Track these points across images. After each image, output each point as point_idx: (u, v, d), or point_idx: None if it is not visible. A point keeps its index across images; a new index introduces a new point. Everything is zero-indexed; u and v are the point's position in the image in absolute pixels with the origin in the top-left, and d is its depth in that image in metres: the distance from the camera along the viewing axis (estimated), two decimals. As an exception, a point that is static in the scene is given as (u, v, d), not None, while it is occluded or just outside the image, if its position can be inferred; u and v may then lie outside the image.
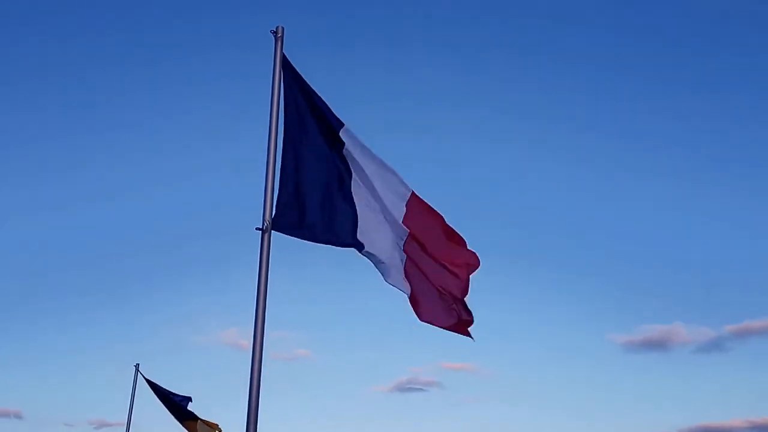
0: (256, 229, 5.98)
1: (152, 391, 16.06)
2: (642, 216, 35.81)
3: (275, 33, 6.44)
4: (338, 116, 6.38)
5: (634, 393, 29.99)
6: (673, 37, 37.18)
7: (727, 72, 36.82)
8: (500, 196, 35.19)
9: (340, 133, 6.33)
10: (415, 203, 6.37)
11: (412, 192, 6.38)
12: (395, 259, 6.29)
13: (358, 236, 6.21)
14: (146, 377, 16.25)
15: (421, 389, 31.42)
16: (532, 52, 37.02)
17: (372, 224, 6.30)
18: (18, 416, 26.80)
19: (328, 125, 6.35)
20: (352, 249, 6.25)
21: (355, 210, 6.27)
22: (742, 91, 36.37)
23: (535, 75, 36.82)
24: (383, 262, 6.26)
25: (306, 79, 6.42)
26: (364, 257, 6.27)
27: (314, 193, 6.27)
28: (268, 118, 6.22)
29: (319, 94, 6.41)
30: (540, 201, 36.27)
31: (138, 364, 16.56)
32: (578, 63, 37.05)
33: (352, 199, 6.29)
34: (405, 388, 31.45)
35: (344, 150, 6.33)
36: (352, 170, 6.36)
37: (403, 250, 6.28)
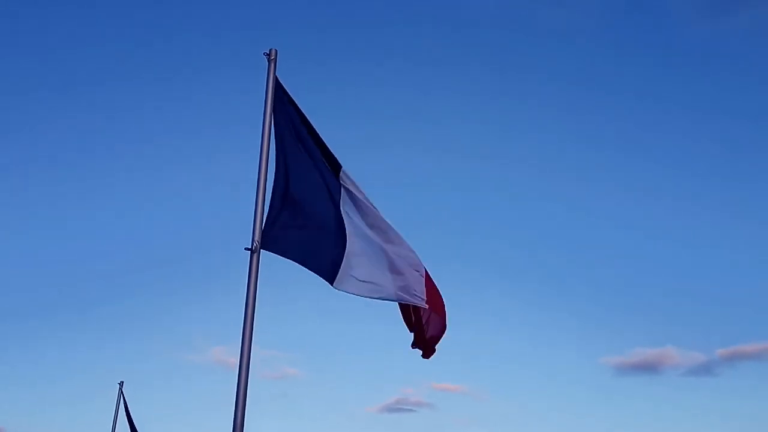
0: (246, 249, 6.04)
1: (124, 411, 16.05)
2: (635, 239, 36.00)
3: (268, 55, 6.51)
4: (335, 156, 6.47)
5: (625, 416, 30.03)
6: (638, 49, 37.58)
7: (716, 88, 37.27)
8: (490, 214, 35.34)
9: (341, 175, 6.42)
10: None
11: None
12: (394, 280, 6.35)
13: (340, 272, 6.20)
14: (125, 397, 16.20)
15: (411, 410, 31.31)
16: (519, 68, 37.33)
17: (364, 257, 6.31)
18: (1, 433, 26.54)
19: (324, 152, 6.42)
20: None
21: (345, 242, 6.28)
22: (738, 111, 36.77)
23: (528, 90, 37.07)
24: (371, 282, 6.30)
25: (299, 104, 6.48)
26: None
27: (304, 216, 6.33)
28: (260, 140, 6.30)
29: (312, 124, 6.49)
30: (532, 223, 36.44)
31: (122, 382, 16.51)
32: (566, 79, 37.33)
33: (343, 231, 6.30)
34: (395, 408, 31.35)
35: (342, 184, 6.40)
36: (347, 205, 6.40)
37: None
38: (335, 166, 6.41)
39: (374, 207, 6.44)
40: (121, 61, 36.00)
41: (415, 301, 6.33)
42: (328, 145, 6.46)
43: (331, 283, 6.19)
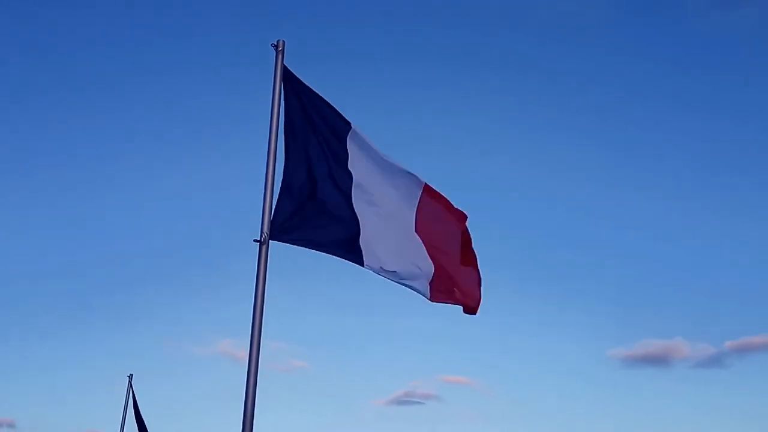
0: (254, 241, 6.01)
1: (133, 405, 16.09)
2: (643, 231, 35.95)
3: (276, 47, 6.47)
4: (346, 118, 6.40)
5: (634, 408, 30.01)
6: (663, 52, 37.40)
7: (720, 86, 37.05)
8: (499, 210, 35.29)
9: (347, 139, 6.37)
10: (428, 198, 6.45)
11: (425, 185, 6.45)
12: (412, 258, 6.29)
13: (362, 249, 6.20)
14: (134, 391, 16.24)
15: (419, 402, 31.33)
16: (528, 66, 37.22)
17: (379, 233, 6.29)
18: (11, 426, 26.69)
19: (334, 133, 6.39)
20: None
21: (357, 221, 6.26)
22: (746, 108, 36.56)
23: (537, 89, 36.98)
24: (394, 271, 6.26)
25: (312, 88, 6.45)
26: (367, 270, 6.28)
27: (315, 204, 6.29)
28: (268, 131, 6.26)
29: (327, 100, 6.42)
30: (540, 216, 36.38)
31: (131, 375, 16.54)
32: (570, 76, 37.24)
33: (353, 209, 6.28)
34: (403, 401, 31.36)
35: (348, 158, 6.36)
36: (354, 177, 6.34)
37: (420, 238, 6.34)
38: (345, 130, 6.37)
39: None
40: (128, 55, 36.00)
41: (424, 292, 6.28)
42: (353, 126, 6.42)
43: (361, 264, 6.19)
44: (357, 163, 6.38)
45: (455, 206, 6.60)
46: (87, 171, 36.11)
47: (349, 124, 6.41)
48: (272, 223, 6.07)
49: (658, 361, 33.20)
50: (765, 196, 35.46)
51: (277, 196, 6.16)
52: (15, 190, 35.33)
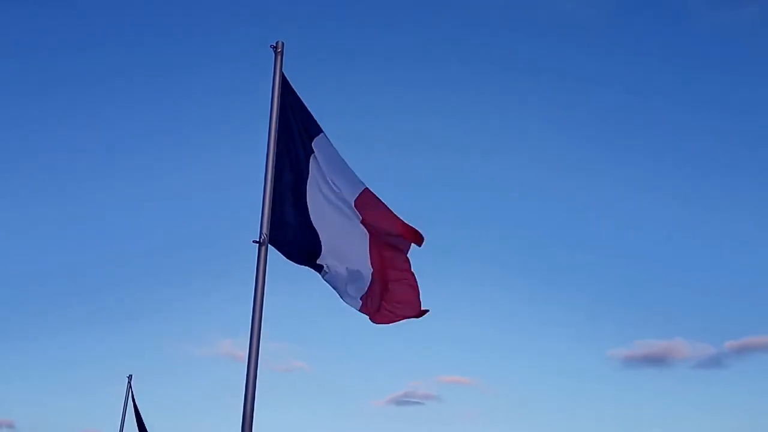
0: (253, 242, 6.04)
1: (132, 405, 16.12)
2: (643, 231, 35.90)
3: (275, 48, 6.51)
4: (319, 124, 6.45)
5: (634, 408, 30.03)
6: (656, 47, 37.42)
7: (728, 86, 37.07)
8: (499, 210, 35.29)
9: (312, 144, 6.40)
10: (367, 198, 6.38)
11: (365, 188, 6.38)
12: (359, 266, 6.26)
13: (319, 260, 6.24)
14: (133, 391, 16.26)
15: (418, 403, 31.31)
16: (528, 66, 37.22)
17: (334, 240, 6.30)
18: (10, 426, 26.68)
19: (306, 138, 6.43)
20: None
21: (316, 230, 6.29)
22: (746, 107, 36.57)
23: (534, 90, 36.97)
24: (345, 281, 6.26)
25: (299, 93, 6.49)
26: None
27: (296, 212, 6.33)
28: (267, 132, 6.29)
29: (305, 105, 6.47)
30: (540, 216, 36.37)
31: (131, 376, 16.55)
32: (579, 78, 37.21)
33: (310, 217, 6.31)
34: (402, 401, 31.35)
35: (310, 164, 6.39)
36: (311, 188, 6.38)
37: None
38: (315, 134, 6.41)
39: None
40: (127, 54, 36.03)
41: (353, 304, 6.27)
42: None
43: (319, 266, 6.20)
44: (319, 173, 6.39)
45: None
46: (87, 170, 36.04)
47: (320, 130, 6.45)
48: (271, 226, 6.10)
49: (658, 361, 33.23)
50: (765, 196, 35.44)
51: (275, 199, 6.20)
52: (15, 190, 35.32)
